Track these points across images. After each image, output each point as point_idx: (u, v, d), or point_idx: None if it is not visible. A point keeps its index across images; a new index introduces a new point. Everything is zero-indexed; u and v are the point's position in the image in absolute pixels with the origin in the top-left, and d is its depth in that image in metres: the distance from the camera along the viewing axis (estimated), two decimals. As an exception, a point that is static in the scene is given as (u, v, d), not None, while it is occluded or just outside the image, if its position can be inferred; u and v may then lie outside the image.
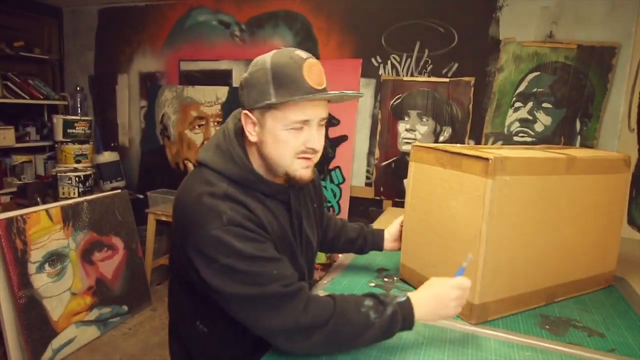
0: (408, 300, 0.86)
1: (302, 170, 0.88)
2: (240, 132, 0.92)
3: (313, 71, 0.83)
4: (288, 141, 0.84)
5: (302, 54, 0.84)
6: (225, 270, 0.78)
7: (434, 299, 0.86)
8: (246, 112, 0.86)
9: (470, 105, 2.65)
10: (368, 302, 0.83)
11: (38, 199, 3.13)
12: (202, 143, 3.34)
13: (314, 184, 1.11)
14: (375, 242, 1.26)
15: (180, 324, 1.00)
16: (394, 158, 2.83)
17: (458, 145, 1.13)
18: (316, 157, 0.89)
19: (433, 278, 0.92)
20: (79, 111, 3.64)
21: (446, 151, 1.04)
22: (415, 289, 1.14)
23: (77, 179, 3.19)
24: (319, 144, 0.87)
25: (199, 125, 3.35)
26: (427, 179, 1.11)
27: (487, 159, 0.91)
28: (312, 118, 0.84)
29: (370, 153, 2.95)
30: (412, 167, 1.17)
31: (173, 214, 0.90)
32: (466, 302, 0.93)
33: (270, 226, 0.88)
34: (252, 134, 0.88)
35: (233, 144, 0.89)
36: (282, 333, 0.78)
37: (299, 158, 0.87)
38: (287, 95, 0.81)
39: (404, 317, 0.83)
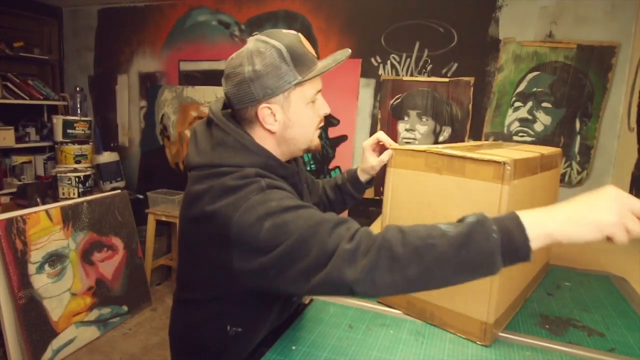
0: (511, 213, 0.64)
1: (317, 139, 0.92)
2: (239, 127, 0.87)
3: (307, 43, 0.86)
4: (311, 115, 0.87)
5: (289, 30, 0.86)
6: (279, 224, 0.71)
7: (576, 206, 0.63)
8: (266, 104, 0.83)
9: (470, 105, 2.65)
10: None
11: (38, 200, 3.13)
12: (202, 143, 3.33)
13: (300, 168, 1.07)
14: (349, 172, 1.18)
15: (202, 334, 0.92)
16: (394, 158, 2.83)
17: (441, 146, 1.02)
18: None
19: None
20: (79, 111, 3.64)
21: (442, 154, 0.90)
22: (401, 312, 1.02)
23: (77, 179, 3.19)
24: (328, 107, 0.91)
25: (199, 126, 3.35)
26: (413, 187, 0.96)
27: (500, 163, 0.81)
28: (321, 87, 0.88)
29: (370, 153, 2.95)
30: (391, 174, 0.99)
31: (185, 229, 0.86)
32: (480, 323, 0.87)
33: None
34: (273, 124, 0.84)
35: (241, 135, 0.84)
36: (339, 254, 0.66)
37: (317, 129, 0.91)
38: (306, 70, 0.82)
39: (501, 227, 0.61)
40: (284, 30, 0.86)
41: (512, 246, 0.60)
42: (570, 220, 0.61)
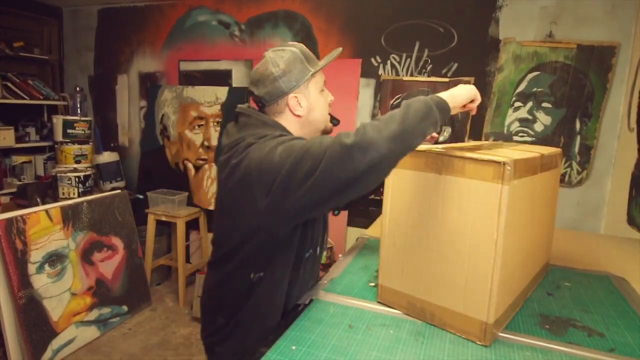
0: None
1: (329, 123, 1.19)
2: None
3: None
4: (324, 101, 1.14)
5: (293, 42, 1.13)
6: (288, 147, 0.91)
7: (456, 88, 0.99)
8: (294, 95, 1.07)
9: (470, 105, 2.66)
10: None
11: (38, 200, 3.13)
12: (202, 143, 3.33)
13: None
14: None
15: (230, 283, 1.10)
16: (394, 158, 2.83)
17: (441, 146, 1.03)
18: None
19: None
20: (79, 111, 3.64)
21: (442, 154, 0.91)
22: (400, 311, 1.04)
23: (76, 179, 3.19)
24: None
25: (199, 126, 3.35)
26: (413, 186, 0.97)
27: (500, 163, 0.82)
28: (325, 78, 1.15)
29: (370, 153, 2.95)
30: (391, 174, 0.98)
31: (220, 193, 1.04)
32: (480, 323, 0.89)
33: None
34: (300, 110, 1.08)
35: (261, 115, 1.07)
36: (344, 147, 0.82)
37: (328, 114, 1.17)
38: (314, 66, 1.10)
39: (424, 96, 0.91)
40: (289, 42, 1.12)
41: (437, 101, 0.89)
42: (457, 91, 0.97)
